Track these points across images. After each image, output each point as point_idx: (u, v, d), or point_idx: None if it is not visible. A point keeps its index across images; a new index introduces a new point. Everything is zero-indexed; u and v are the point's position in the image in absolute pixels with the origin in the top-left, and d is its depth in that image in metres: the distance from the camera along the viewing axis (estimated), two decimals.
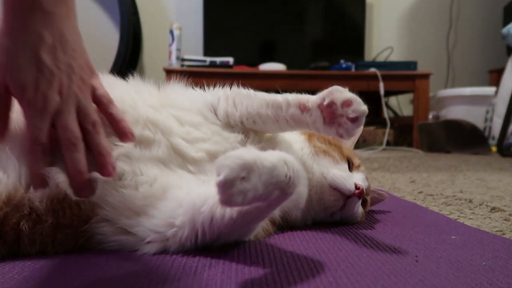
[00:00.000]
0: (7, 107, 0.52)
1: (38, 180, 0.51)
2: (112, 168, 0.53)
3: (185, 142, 0.60)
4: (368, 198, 0.74)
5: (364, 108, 0.54)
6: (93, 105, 0.55)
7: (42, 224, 0.51)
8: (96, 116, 0.54)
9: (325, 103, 0.55)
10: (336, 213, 0.69)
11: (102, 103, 0.56)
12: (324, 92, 0.56)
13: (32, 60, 0.48)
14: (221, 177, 0.40)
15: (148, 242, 0.53)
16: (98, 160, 0.53)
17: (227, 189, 0.40)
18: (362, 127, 0.78)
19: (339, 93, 0.54)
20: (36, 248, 0.52)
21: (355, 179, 0.68)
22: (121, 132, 0.56)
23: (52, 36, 0.49)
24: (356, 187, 0.67)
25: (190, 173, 0.58)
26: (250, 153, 0.43)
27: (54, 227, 0.52)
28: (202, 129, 0.62)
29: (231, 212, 0.48)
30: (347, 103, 0.53)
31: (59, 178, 0.52)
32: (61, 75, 0.50)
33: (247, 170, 0.41)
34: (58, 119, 0.51)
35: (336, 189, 0.67)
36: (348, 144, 0.80)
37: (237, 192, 0.40)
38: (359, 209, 0.70)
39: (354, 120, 0.53)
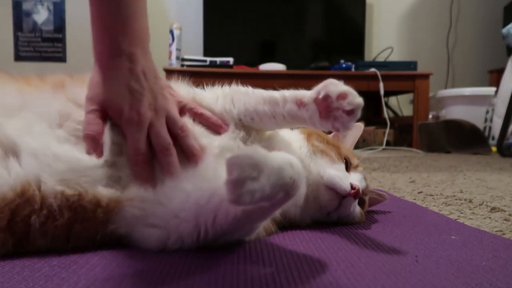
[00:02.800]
0: (102, 127, 0.59)
1: (147, 185, 0.56)
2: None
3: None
4: (366, 198, 0.74)
5: (359, 100, 0.53)
6: (178, 115, 0.62)
7: (56, 220, 0.51)
8: (183, 122, 0.61)
9: (320, 96, 0.55)
10: (332, 213, 0.69)
11: (190, 109, 0.64)
12: (319, 86, 0.56)
13: (125, 88, 0.58)
14: (232, 176, 0.40)
15: (151, 226, 0.53)
16: (190, 159, 0.60)
17: (237, 189, 0.40)
18: (362, 127, 0.79)
19: (334, 86, 0.54)
20: (48, 240, 0.52)
21: (351, 179, 0.68)
22: (215, 126, 0.64)
23: (136, 69, 0.59)
24: (352, 187, 0.66)
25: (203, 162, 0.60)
26: (260, 153, 0.43)
27: (71, 221, 0.52)
28: None
29: (235, 211, 0.49)
30: (342, 96, 0.53)
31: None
32: (147, 95, 0.59)
33: (257, 170, 0.41)
34: (151, 130, 0.58)
35: (331, 189, 0.67)
36: (348, 144, 0.80)
37: (246, 192, 0.40)
38: (356, 209, 0.70)
39: (350, 113, 0.53)
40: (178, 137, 0.60)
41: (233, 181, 0.40)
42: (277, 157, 0.45)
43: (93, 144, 0.56)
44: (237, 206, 0.47)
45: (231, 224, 0.50)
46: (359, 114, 0.53)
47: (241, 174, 0.40)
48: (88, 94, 0.59)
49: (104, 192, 0.54)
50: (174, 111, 0.61)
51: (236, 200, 0.41)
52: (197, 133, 0.63)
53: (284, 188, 0.44)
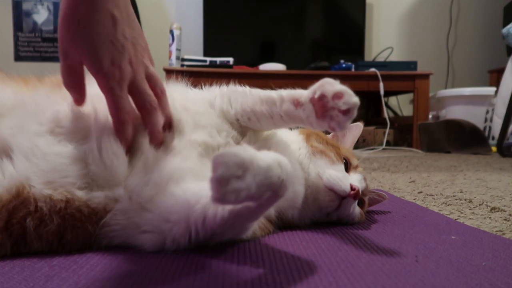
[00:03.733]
0: (83, 78, 0.55)
1: (127, 144, 0.54)
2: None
3: (190, 126, 0.61)
4: (366, 198, 0.74)
5: (355, 99, 0.52)
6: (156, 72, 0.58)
7: (47, 225, 0.51)
8: (161, 80, 0.57)
9: (316, 96, 0.54)
10: (332, 214, 0.69)
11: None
12: (315, 85, 0.55)
13: (107, 37, 0.51)
14: (217, 174, 0.40)
15: (145, 232, 0.53)
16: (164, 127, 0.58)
17: (222, 187, 0.40)
18: (362, 126, 0.79)
19: (330, 85, 0.54)
20: (43, 243, 0.52)
21: (351, 180, 0.68)
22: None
23: (121, 14, 0.52)
24: (352, 188, 0.66)
25: (186, 160, 0.58)
26: (247, 152, 0.43)
27: (62, 228, 0.52)
28: (203, 118, 0.63)
29: (222, 211, 0.48)
30: (338, 95, 0.53)
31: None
32: (129, 48, 0.53)
33: (243, 169, 0.41)
34: (134, 87, 0.54)
35: (331, 190, 0.66)
36: (348, 144, 0.80)
37: (231, 191, 0.40)
38: (355, 209, 0.70)
39: (346, 113, 0.52)
40: (158, 97, 0.55)
41: (217, 179, 0.40)
42: (265, 157, 0.44)
43: (77, 93, 0.55)
44: (223, 205, 0.47)
45: (220, 225, 0.50)
46: (355, 113, 0.53)
47: (226, 172, 0.40)
48: (60, 36, 0.52)
49: (84, 197, 0.53)
50: (152, 67, 0.56)
51: (220, 199, 0.40)
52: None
53: (271, 188, 0.44)
